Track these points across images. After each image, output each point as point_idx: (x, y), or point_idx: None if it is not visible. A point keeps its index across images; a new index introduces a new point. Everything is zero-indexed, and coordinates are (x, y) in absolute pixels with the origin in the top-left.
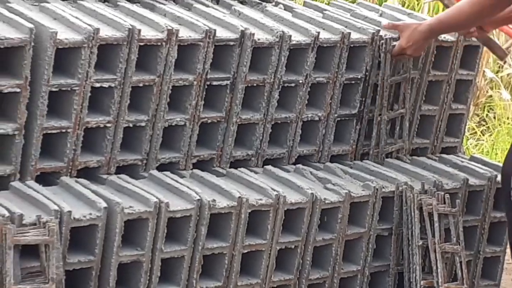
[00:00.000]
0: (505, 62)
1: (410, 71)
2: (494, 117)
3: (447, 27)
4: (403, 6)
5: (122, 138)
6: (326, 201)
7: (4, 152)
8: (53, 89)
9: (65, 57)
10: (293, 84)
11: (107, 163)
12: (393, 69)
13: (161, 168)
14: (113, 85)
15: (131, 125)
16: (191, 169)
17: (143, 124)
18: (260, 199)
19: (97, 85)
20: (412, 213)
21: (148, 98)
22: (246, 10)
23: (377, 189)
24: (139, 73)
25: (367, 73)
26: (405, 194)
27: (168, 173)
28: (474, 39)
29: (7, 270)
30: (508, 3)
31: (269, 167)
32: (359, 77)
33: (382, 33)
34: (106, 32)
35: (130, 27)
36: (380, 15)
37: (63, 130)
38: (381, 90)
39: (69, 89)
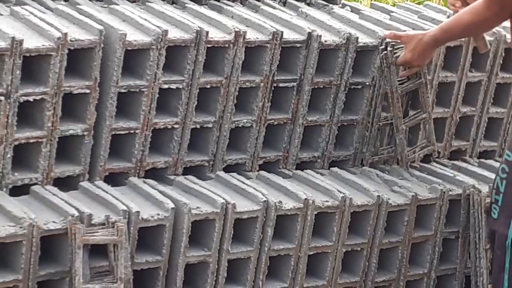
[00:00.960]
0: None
1: (425, 76)
2: None
3: (450, 36)
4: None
5: (189, 139)
6: (393, 204)
7: (74, 152)
8: (122, 90)
9: (133, 59)
10: (359, 86)
11: (174, 164)
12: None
13: (228, 169)
14: (180, 86)
15: (198, 126)
16: (258, 171)
17: (210, 125)
18: (326, 201)
19: (165, 86)
20: (480, 216)
21: (215, 100)
22: (312, 11)
23: (444, 192)
24: (206, 74)
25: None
26: (473, 197)
27: (234, 174)
28: None
29: (76, 269)
30: (507, 16)
31: (335, 169)
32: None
33: None
34: (174, 34)
35: (198, 29)
36: (448, 17)
37: (132, 131)
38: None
39: (137, 90)
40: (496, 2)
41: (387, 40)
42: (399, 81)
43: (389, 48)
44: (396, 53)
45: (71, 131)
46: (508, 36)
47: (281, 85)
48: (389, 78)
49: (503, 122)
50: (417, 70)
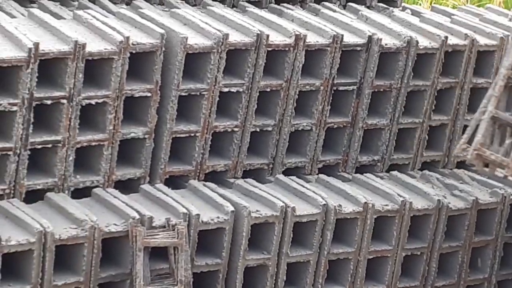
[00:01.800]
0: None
1: None
2: None
3: None
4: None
5: (249, 142)
6: (453, 208)
7: (135, 155)
8: (183, 94)
9: (194, 62)
10: (420, 89)
11: (234, 167)
12: None
13: (287, 172)
14: (241, 89)
15: (258, 129)
16: (317, 174)
17: (269, 128)
18: (386, 205)
19: (225, 89)
20: None
21: (275, 103)
22: (373, 15)
23: (505, 197)
24: (266, 78)
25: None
26: None
27: (294, 177)
28: None
29: (137, 271)
30: None
31: (395, 172)
32: (488, 81)
33: None
34: (235, 37)
35: (259, 32)
36: (510, 20)
37: (192, 134)
38: None
39: (198, 93)
40: None
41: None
42: None
43: None
44: None
45: (132, 134)
46: None
47: (341, 88)
48: None
49: None
50: None
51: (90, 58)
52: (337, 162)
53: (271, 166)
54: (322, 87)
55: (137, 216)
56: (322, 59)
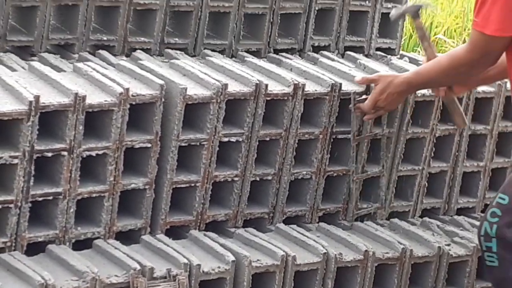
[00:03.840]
0: (462, 131)
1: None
2: None
3: (426, 82)
4: None
5: (249, 192)
6: (454, 255)
7: (135, 206)
8: (183, 144)
9: (194, 112)
10: (419, 137)
11: (234, 216)
12: None
13: (288, 221)
14: (240, 139)
15: (258, 178)
16: (317, 222)
17: (269, 177)
18: (387, 253)
19: (225, 139)
20: None
21: (274, 152)
22: (371, 63)
23: None
24: (266, 127)
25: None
26: None
27: (294, 226)
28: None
29: None
30: (489, 64)
31: (395, 220)
32: (486, 128)
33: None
34: (234, 87)
35: (258, 82)
36: None
37: (192, 184)
38: None
39: (198, 143)
40: (480, 46)
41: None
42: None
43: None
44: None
45: (132, 185)
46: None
47: (339, 137)
48: (353, 123)
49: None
50: (382, 114)
51: (90, 110)
52: (337, 210)
53: (271, 215)
54: (321, 136)
55: (138, 267)
56: (321, 107)
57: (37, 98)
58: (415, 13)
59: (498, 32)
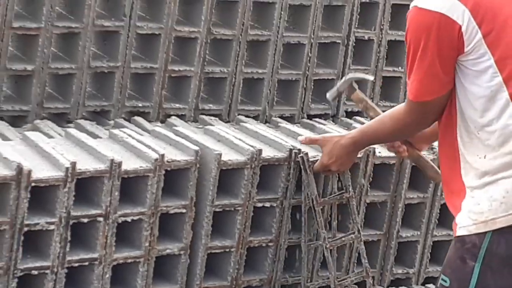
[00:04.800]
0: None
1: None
2: None
3: (371, 139)
4: None
5: (284, 257)
6: None
7: (170, 271)
8: (217, 209)
9: (228, 178)
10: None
11: (269, 281)
12: None
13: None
14: (274, 204)
15: (292, 244)
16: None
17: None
18: None
19: (260, 204)
20: None
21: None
22: None
23: None
24: (299, 192)
25: None
26: None
27: None
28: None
29: None
30: (429, 123)
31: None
32: None
33: None
34: (268, 153)
35: (291, 147)
36: None
37: (227, 249)
38: None
39: (232, 209)
40: (418, 108)
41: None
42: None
43: (303, 151)
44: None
45: (168, 250)
46: None
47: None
48: (308, 186)
49: None
50: (334, 173)
51: (126, 176)
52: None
53: (308, 280)
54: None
55: None
56: (354, 171)
57: (73, 164)
58: (350, 89)
59: (416, 98)
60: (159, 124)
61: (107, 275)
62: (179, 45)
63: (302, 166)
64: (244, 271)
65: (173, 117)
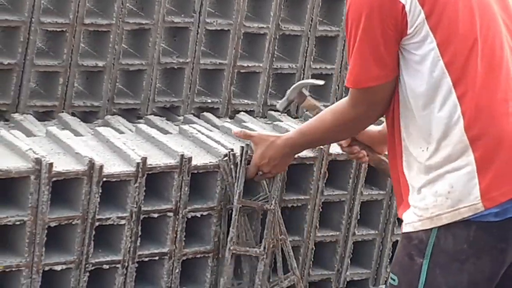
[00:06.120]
0: None
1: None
2: None
3: (310, 140)
4: None
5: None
6: None
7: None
8: (285, 205)
9: (298, 173)
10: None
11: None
12: None
13: None
14: (343, 199)
15: (360, 239)
16: None
17: (370, 238)
18: None
19: (329, 199)
20: None
21: (377, 213)
22: None
23: None
24: (367, 187)
25: None
26: None
27: None
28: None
29: None
30: (378, 114)
31: None
32: None
33: None
34: (337, 149)
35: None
36: None
37: (296, 244)
38: None
39: (300, 204)
40: (363, 99)
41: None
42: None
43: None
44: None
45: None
46: None
47: None
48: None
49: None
50: (268, 177)
51: (195, 171)
52: None
53: (374, 276)
54: None
55: None
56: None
57: (144, 159)
58: (300, 96)
59: (357, 84)
60: (228, 120)
61: (177, 270)
62: (248, 41)
63: (239, 159)
64: (312, 265)
65: (242, 113)
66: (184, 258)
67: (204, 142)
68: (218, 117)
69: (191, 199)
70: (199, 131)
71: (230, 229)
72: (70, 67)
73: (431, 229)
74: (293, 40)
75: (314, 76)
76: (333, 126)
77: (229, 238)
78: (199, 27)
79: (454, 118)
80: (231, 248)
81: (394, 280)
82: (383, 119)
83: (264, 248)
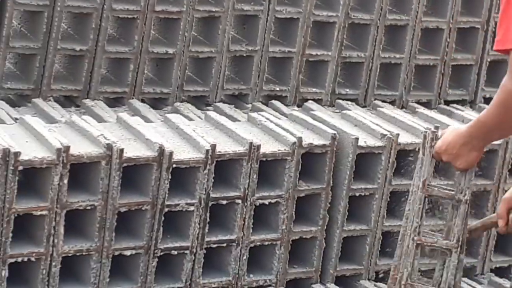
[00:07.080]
0: None
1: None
2: None
3: (487, 130)
4: None
5: None
6: None
7: (306, 255)
8: (354, 194)
9: (364, 163)
10: None
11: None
12: None
13: None
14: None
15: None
16: None
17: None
18: None
19: (397, 189)
20: None
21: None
22: None
23: None
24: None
25: None
26: None
27: None
28: None
29: None
30: None
31: None
32: None
33: None
34: (405, 138)
35: (427, 132)
36: None
37: (363, 234)
38: None
39: (368, 193)
40: None
41: None
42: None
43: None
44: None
45: (303, 234)
46: None
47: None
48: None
49: None
50: (458, 170)
51: (264, 159)
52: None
53: None
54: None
55: None
56: (493, 158)
57: (213, 146)
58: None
59: (497, 45)
60: (296, 108)
61: (245, 257)
62: (317, 29)
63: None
64: (380, 256)
65: (310, 101)
66: (252, 245)
67: (273, 130)
68: (286, 105)
69: (259, 187)
70: (267, 119)
71: (414, 218)
72: (141, 54)
73: None
74: (362, 29)
75: (382, 66)
76: (501, 103)
77: (412, 228)
78: (268, 15)
79: None
80: (415, 238)
81: None
82: None
83: (458, 240)
